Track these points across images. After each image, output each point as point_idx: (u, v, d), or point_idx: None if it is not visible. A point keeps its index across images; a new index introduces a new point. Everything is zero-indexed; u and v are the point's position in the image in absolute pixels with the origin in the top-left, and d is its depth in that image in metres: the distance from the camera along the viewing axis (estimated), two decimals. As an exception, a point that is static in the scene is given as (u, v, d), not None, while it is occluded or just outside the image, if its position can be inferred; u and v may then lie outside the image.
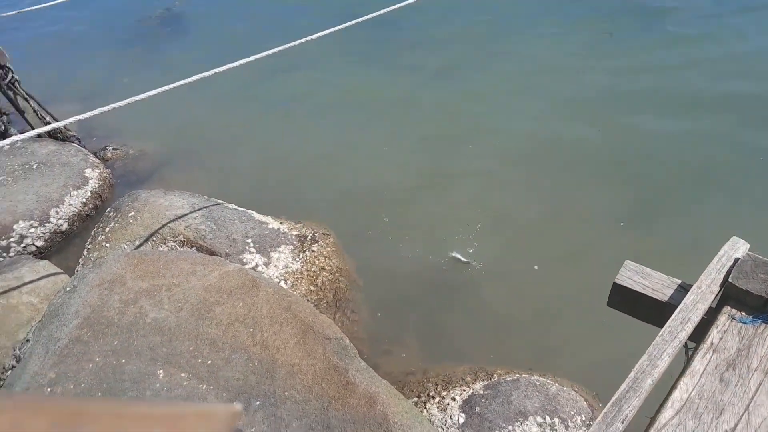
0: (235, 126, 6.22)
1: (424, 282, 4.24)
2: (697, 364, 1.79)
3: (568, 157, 5.25)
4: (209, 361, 2.79)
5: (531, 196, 4.89)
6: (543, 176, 5.05)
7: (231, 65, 3.60)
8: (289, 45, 3.79)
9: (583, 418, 3.18)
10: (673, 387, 1.75)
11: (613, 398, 1.66)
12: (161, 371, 2.76)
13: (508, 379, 3.42)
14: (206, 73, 3.54)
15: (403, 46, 7.30)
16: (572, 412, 3.19)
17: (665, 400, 1.73)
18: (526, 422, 3.12)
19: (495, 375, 3.48)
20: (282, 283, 4.10)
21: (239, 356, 2.81)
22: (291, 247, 4.46)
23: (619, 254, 3.75)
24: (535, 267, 4.23)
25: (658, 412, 1.72)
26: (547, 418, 3.14)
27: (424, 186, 5.08)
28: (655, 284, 2.11)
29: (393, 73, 6.79)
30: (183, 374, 2.75)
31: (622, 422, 1.61)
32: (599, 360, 3.59)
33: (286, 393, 2.66)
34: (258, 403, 2.64)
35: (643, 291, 2.10)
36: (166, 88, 3.39)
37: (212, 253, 4.18)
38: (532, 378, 3.43)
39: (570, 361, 3.60)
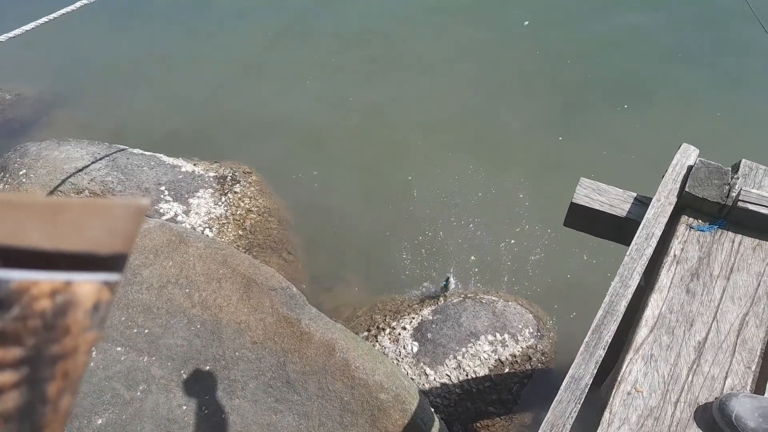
0: (126, 59, 5.56)
1: (357, 213, 4.10)
2: (664, 278, 1.80)
3: (495, 64, 5.14)
4: (146, 330, 2.56)
5: (466, 113, 4.77)
6: (476, 90, 4.93)
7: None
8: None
9: (531, 330, 3.27)
10: (644, 305, 1.75)
11: (593, 326, 1.63)
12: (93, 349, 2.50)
13: (455, 301, 3.42)
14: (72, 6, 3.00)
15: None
16: (520, 326, 3.26)
17: (639, 318, 1.72)
18: (478, 342, 3.16)
19: (441, 298, 3.47)
20: (207, 231, 3.83)
21: (179, 321, 2.59)
22: (210, 190, 4.14)
23: (551, 164, 3.76)
24: (472, 190, 4.18)
25: (633, 331, 1.72)
26: (497, 335, 3.20)
27: (341, 110, 4.82)
28: (612, 200, 2.08)
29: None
30: (119, 348, 2.51)
31: (603, 348, 1.59)
32: (536, 271, 3.67)
33: (237, 353, 2.50)
34: (208, 368, 2.47)
35: (600, 208, 2.07)
36: (44, 19, 2.86)
37: (124, 207, 3.79)
38: (478, 297, 3.45)
39: (510, 276, 3.65)
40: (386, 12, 5.83)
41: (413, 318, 3.35)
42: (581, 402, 1.51)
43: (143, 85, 5.26)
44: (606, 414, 1.53)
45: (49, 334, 0.32)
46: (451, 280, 3.50)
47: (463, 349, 3.13)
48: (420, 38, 5.50)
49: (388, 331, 3.31)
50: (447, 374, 3.05)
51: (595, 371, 1.55)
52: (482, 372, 3.06)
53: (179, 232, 2.97)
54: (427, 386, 2.99)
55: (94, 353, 2.48)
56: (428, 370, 3.05)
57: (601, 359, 1.57)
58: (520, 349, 3.16)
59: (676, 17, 5.59)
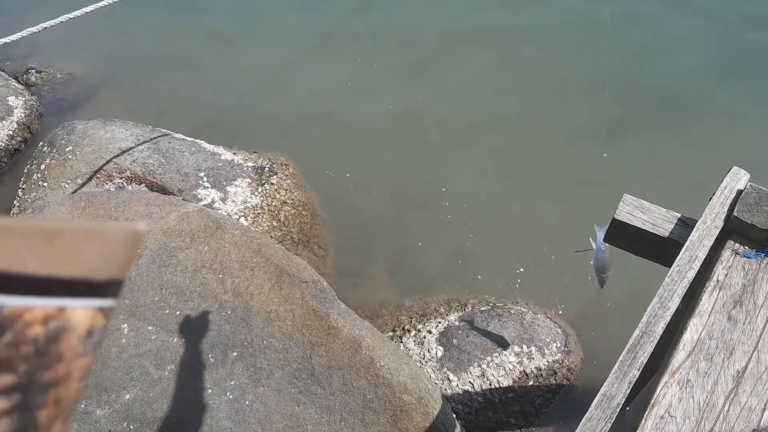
0: (173, 45, 5.67)
1: (389, 214, 4.10)
2: (705, 302, 1.75)
3: (540, 80, 5.09)
4: (177, 312, 2.61)
5: (503, 122, 4.73)
6: (516, 101, 4.90)
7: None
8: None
9: (558, 345, 3.22)
10: (684, 328, 1.71)
11: (628, 345, 1.60)
12: (125, 325, 2.56)
13: (483, 309, 3.40)
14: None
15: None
16: (548, 340, 3.23)
17: (677, 342, 1.69)
18: (505, 352, 3.13)
19: (469, 305, 3.46)
20: (242, 220, 3.88)
21: (210, 305, 2.63)
22: (248, 180, 4.19)
23: (591, 180, 3.71)
24: (505, 195, 4.15)
25: (669, 354, 1.68)
26: (524, 347, 3.17)
27: (379, 112, 4.83)
28: (655, 219, 2.04)
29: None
30: (150, 327, 2.56)
31: (638, 369, 1.56)
32: (568, 285, 3.63)
33: (264, 342, 2.53)
34: (235, 354, 2.50)
35: (643, 226, 2.03)
36: (99, 5, 2.94)
37: (163, 189, 3.87)
38: (506, 307, 3.42)
39: (542, 288, 3.61)
40: (428, 18, 5.82)
41: (440, 322, 3.34)
42: (612, 421, 1.48)
43: (189, 73, 5.35)
44: (637, 436, 1.50)
45: (41, 361, 0.32)
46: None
47: (488, 358, 3.10)
48: (462, 46, 5.47)
49: (413, 332, 3.30)
50: (470, 381, 3.03)
51: (628, 391, 1.53)
52: (506, 383, 3.04)
53: (217, 218, 3.01)
54: (449, 392, 2.97)
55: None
56: (452, 376, 3.03)
57: (635, 379, 1.55)
58: (546, 363, 3.13)
59: (729, 26, 5.45)
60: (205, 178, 4.08)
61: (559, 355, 3.17)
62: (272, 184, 4.16)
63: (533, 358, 3.13)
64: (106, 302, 0.34)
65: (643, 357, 1.58)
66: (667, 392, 1.57)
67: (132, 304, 2.64)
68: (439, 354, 3.13)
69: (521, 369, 3.08)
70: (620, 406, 1.50)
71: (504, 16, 5.73)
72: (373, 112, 4.82)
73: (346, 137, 4.63)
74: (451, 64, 5.25)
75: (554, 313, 3.43)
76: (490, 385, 3.01)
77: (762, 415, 1.53)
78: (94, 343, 0.34)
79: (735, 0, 5.76)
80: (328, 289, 2.78)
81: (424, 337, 3.25)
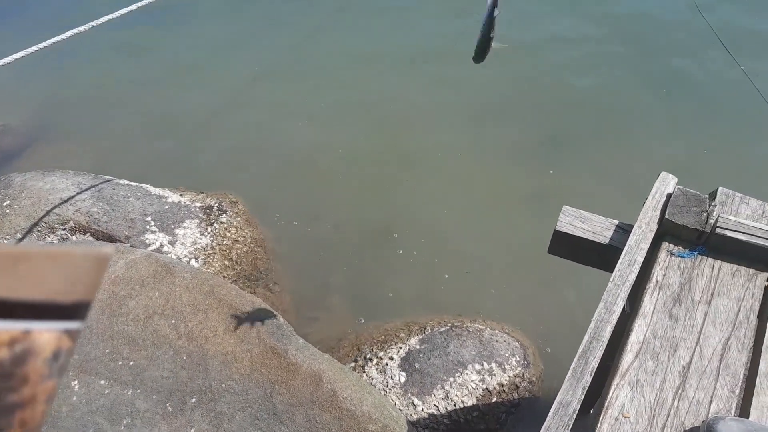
0: (110, 89, 5.58)
1: (343, 244, 4.11)
2: (647, 303, 1.83)
3: (481, 102, 5.23)
4: (131, 362, 2.53)
5: (451, 142, 4.83)
6: (461, 126, 5.01)
7: (110, 16, 3.10)
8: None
9: (518, 359, 3.27)
10: (629, 330, 1.78)
11: (579, 352, 1.65)
12: (75, 382, 2.46)
13: (442, 329, 3.42)
14: (81, 28, 3.01)
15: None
16: (507, 354, 3.27)
17: (624, 344, 1.75)
18: (466, 371, 3.15)
19: (428, 327, 3.48)
20: (193, 262, 3.81)
21: (164, 352, 2.57)
22: (197, 220, 4.13)
23: (541, 195, 3.82)
24: (457, 218, 4.23)
25: (618, 357, 1.74)
26: (485, 364, 3.20)
27: (327, 142, 4.87)
28: (595, 227, 2.12)
29: (276, 20, 6.36)
30: (102, 381, 2.47)
31: (590, 374, 1.61)
32: (522, 298, 3.70)
33: (223, 385, 2.47)
34: (194, 400, 2.43)
35: (583, 235, 2.11)
36: (33, 48, 2.88)
37: (110, 237, 3.77)
38: (465, 325, 3.46)
39: (496, 304, 3.67)
40: (369, 52, 5.93)
41: (400, 348, 3.34)
42: (569, 428, 1.52)
43: (130, 116, 5.27)
44: (594, 440, 1.54)
45: (6, 383, 0.32)
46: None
47: (451, 379, 3.12)
48: (404, 74, 5.59)
49: (375, 361, 3.29)
50: (435, 404, 3.03)
51: (583, 396, 1.57)
52: (470, 402, 3.05)
53: (165, 262, 2.95)
54: (415, 417, 2.96)
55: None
56: (416, 401, 3.03)
57: (588, 384, 1.59)
58: (508, 378, 3.16)
59: (650, 47, 5.77)
60: (153, 223, 4.00)
61: (519, 368, 3.21)
62: (222, 222, 4.11)
63: (494, 375, 3.16)
64: (72, 324, 0.34)
65: (594, 362, 1.63)
66: (619, 394, 1.62)
67: (82, 359, 2.54)
68: (402, 380, 3.12)
69: (484, 386, 3.11)
70: (576, 411, 1.54)
71: (440, 41, 5.89)
72: (320, 143, 4.85)
73: (295, 171, 4.63)
74: (394, 94, 5.34)
75: (511, 328, 3.48)
76: (455, 406, 3.02)
77: (709, 407, 1.60)
78: (60, 365, 0.34)
79: (660, 27, 6.10)
80: (284, 325, 2.75)
81: (387, 364, 3.24)
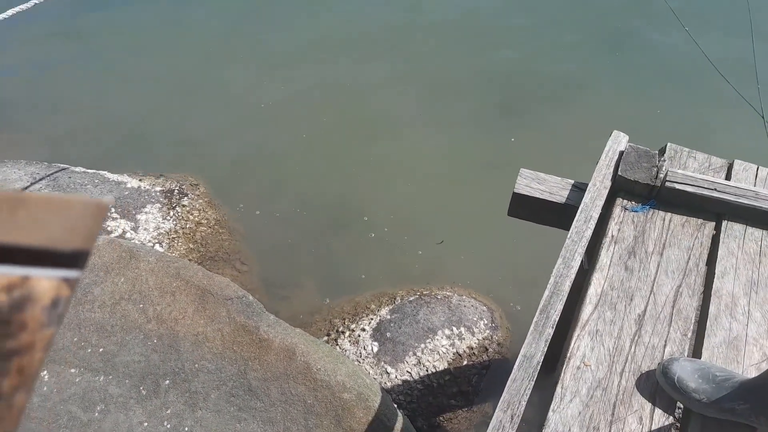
0: (59, 71, 5.39)
1: (308, 217, 4.11)
2: (604, 257, 1.90)
3: (436, 75, 5.25)
4: (101, 349, 2.51)
5: (413, 117, 4.84)
6: (418, 97, 5.02)
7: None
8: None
9: (486, 322, 3.36)
10: (588, 284, 1.85)
11: (540, 306, 1.71)
12: (45, 372, 2.44)
13: (411, 299, 3.48)
14: (22, 6, 2.90)
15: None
16: (475, 318, 3.35)
17: (584, 297, 1.82)
18: (436, 337, 3.23)
19: (398, 298, 3.53)
20: (157, 247, 3.77)
21: (134, 336, 2.55)
22: (158, 205, 4.08)
23: (503, 163, 3.88)
24: (422, 191, 4.26)
25: (578, 309, 1.81)
26: (454, 329, 3.27)
27: (285, 120, 4.83)
28: (552, 188, 2.18)
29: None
30: (73, 370, 2.45)
31: (552, 327, 1.67)
32: (488, 262, 3.78)
33: (196, 365, 2.48)
34: (168, 382, 2.44)
35: (541, 196, 2.17)
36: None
37: (69, 227, 3.69)
38: (433, 293, 3.53)
39: (465, 270, 3.75)
40: (323, 33, 5.87)
41: (372, 319, 3.39)
42: (534, 379, 1.58)
43: (82, 100, 5.11)
44: (558, 389, 1.61)
45: (4, 329, 0.31)
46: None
47: (422, 345, 3.19)
48: (364, 52, 5.56)
49: (347, 333, 3.34)
50: (408, 371, 3.10)
51: (546, 348, 1.63)
52: (442, 366, 3.13)
53: (129, 247, 2.92)
54: (389, 385, 3.03)
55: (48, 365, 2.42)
56: (389, 369, 3.09)
57: (550, 337, 1.66)
58: (477, 341, 3.25)
59: (600, 9, 5.86)
60: (113, 210, 3.93)
61: (487, 331, 3.30)
62: (184, 206, 4.07)
63: (464, 339, 3.24)
64: (71, 273, 0.34)
65: (555, 315, 1.70)
66: (580, 344, 1.70)
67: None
68: (375, 349, 3.18)
69: (454, 351, 3.19)
70: (540, 363, 1.61)
71: (396, 17, 5.86)
72: (280, 128, 4.79)
73: (256, 154, 4.58)
74: (351, 74, 5.31)
75: (478, 293, 3.57)
76: (427, 371, 3.09)
77: (664, 351, 1.69)
78: (59, 314, 0.34)
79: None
80: (254, 302, 2.76)
81: (359, 336, 3.29)
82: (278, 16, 5.94)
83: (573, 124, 4.60)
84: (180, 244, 3.86)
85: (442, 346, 3.20)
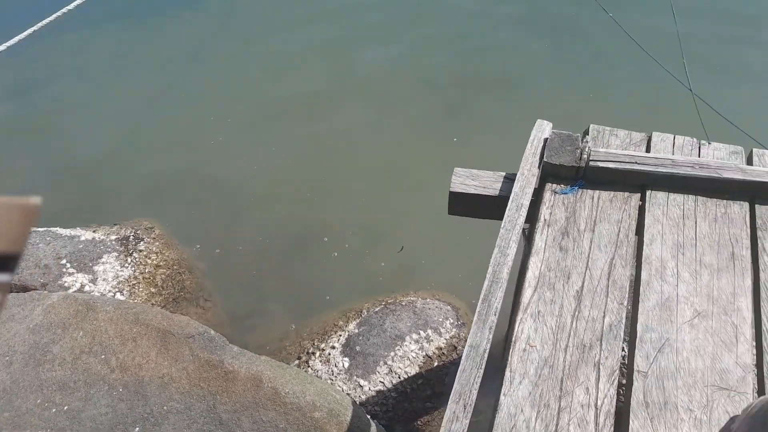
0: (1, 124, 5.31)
1: (269, 245, 4.13)
2: (539, 241, 1.98)
3: (378, 83, 5.33)
4: (65, 407, 2.48)
5: (360, 128, 4.90)
6: (362, 107, 5.09)
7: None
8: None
9: (451, 321, 3.41)
10: (525, 268, 1.92)
11: (482, 296, 1.77)
12: None
13: (377, 309, 3.52)
14: None
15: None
16: (441, 319, 3.40)
17: (522, 281, 1.89)
18: (405, 343, 3.26)
19: (364, 310, 3.56)
20: (118, 295, 3.73)
21: (99, 389, 2.53)
22: (115, 254, 4.04)
23: (449, 165, 3.96)
24: (376, 202, 4.32)
25: (518, 293, 1.88)
26: (421, 332, 3.32)
27: (236, 150, 4.84)
28: (485, 182, 2.25)
29: (159, 39, 6.22)
30: (38, 432, 2.41)
31: (495, 314, 1.73)
32: (447, 262, 3.85)
33: (165, 407, 2.47)
34: (138, 429, 2.42)
35: (476, 191, 2.24)
36: None
37: (24, 288, 3.64)
38: (398, 301, 3.57)
39: (426, 274, 3.80)
40: (263, 53, 5.91)
41: (340, 335, 3.41)
42: (482, 367, 1.63)
43: (22, 155, 5.03)
44: (507, 372, 1.67)
45: None
46: None
47: (392, 353, 3.22)
48: (301, 72, 5.62)
49: (318, 354, 3.35)
50: (381, 381, 3.13)
51: (491, 336, 1.69)
52: (413, 371, 3.16)
53: (86, 300, 2.90)
54: (363, 397, 3.05)
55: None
56: (362, 382, 3.12)
57: (494, 324, 1.71)
58: (445, 341, 3.30)
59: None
60: (69, 265, 3.89)
61: (454, 330, 3.36)
62: (140, 251, 4.04)
63: (432, 341, 3.29)
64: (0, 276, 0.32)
65: (496, 303, 1.75)
66: (524, 327, 1.76)
67: (13, 415, 2.47)
68: (346, 365, 3.20)
69: (423, 354, 3.23)
70: (486, 351, 1.66)
71: (326, 30, 5.94)
72: (230, 158, 4.80)
73: (209, 187, 4.58)
74: (296, 93, 5.35)
75: (441, 293, 3.62)
76: (399, 378, 3.12)
77: (603, 321, 1.76)
78: None
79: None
80: (216, 337, 2.76)
81: (329, 354, 3.30)
82: (216, 47, 5.97)
83: (512, 117, 4.71)
84: (141, 289, 3.83)
85: (412, 351, 3.24)
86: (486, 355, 1.65)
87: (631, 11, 5.60)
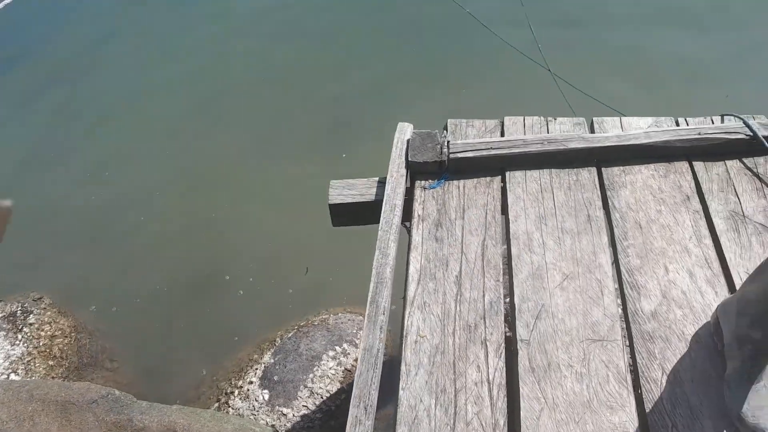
0: None
1: (164, 293, 3.99)
2: (416, 236, 2.06)
3: (258, 106, 5.31)
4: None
5: (247, 156, 4.85)
6: (246, 132, 5.04)
7: None
8: None
9: (365, 330, 3.45)
10: (408, 264, 2.00)
11: (369, 298, 1.83)
12: None
13: (290, 335, 3.50)
14: None
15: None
16: (354, 330, 3.44)
17: (407, 277, 1.96)
18: (322, 362, 3.27)
19: (277, 339, 3.53)
20: (12, 376, 3.48)
21: (-3, 479, 2.35)
22: (2, 333, 3.77)
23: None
24: (274, 230, 4.29)
25: (405, 289, 1.95)
26: (337, 348, 3.34)
27: (118, 196, 4.64)
28: (361, 190, 2.32)
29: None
30: None
31: (384, 314, 1.79)
32: (351, 274, 3.88)
33: (74, 481, 2.34)
34: None
35: (354, 200, 2.30)
36: None
37: None
38: (310, 322, 3.57)
39: (335, 290, 3.82)
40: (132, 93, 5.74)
41: (257, 369, 3.36)
42: (379, 368, 1.68)
43: None
44: (402, 367, 1.73)
45: None
46: None
47: (311, 375, 3.22)
48: (177, 104, 5.50)
49: (236, 392, 3.28)
50: (304, 405, 3.11)
51: (383, 336, 1.74)
52: (335, 388, 3.18)
53: (-31, 389, 2.68)
54: (288, 425, 3.02)
55: None
56: (285, 410, 3.09)
57: (384, 324, 1.77)
58: (361, 352, 3.33)
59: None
60: (-50, 356, 3.58)
61: (368, 339, 3.40)
62: (31, 324, 3.79)
63: (349, 354, 3.31)
64: None
65: (384, 302, 1.82)
66: (413, 320, 1.83)
67: None
68: (266, 397, 3.16)
69: (342, 368, 3.25)
70: (381, 351, 1.71)
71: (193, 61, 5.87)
72: (114, 206, 4.61)
73: (95, 245, 4.38)
74: (173, 128, 5.23)
75: (351, 305, 3.66)
76: (322, 398, 3.12)
77: (484, 300, 1.86)
78: None
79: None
80: (122, 396, 2.65)
81: (248, 390, 3.25)
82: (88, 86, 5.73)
83: (392, 122, 4.86)
84: (38, 364, 3.60)
85: (330, 368, 3.25)
86: (381, 355, 1.70)
87: (486, 3, 5.93)
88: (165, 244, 4.32)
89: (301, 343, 3.38)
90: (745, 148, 2.25)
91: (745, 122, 2.27)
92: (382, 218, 2.05)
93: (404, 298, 1.98)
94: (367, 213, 2.34)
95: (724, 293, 1.82)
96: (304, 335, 3.44)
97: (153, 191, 4.70)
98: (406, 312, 1.85)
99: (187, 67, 5.84)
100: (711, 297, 1.82)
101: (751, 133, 2.22)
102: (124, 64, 6.01)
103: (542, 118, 2.46)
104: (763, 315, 1.46)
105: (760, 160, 2.25)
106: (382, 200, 2.24)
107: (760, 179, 2.17)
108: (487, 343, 1.75)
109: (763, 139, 2.19)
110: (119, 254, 4.27)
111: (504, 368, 1.70)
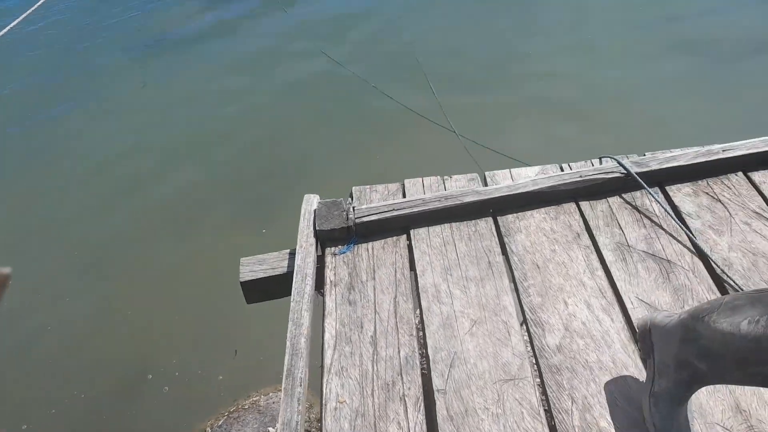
0: None
1: (82, 400, 3.75)
2: (329, 302, 2.10)
3: (183, 184, 5.26)
4: None
5: (156, 238, 4.75)
6: (166, 213, 4.96)
7: None
8: None
9: (299, 406, 3.38)
10: (323, 331, 2.02)
11: (284, 371, 1.83)
12: None
13: (220, 423, 3.37)
14: None
15: None
16: (288, 409, 3.35)
17: (322, 344, 1.98)
18: (256, 447, 3.16)
19: (207, 428, 3.39)
20: None
21: None
22: None
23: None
24: (196, 319, 4.18)
25: (322, 357, 1.96)
26: (270, 429, 3.24)
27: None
28: (272, 264, 2.35)
29: None
30: None
31: (300, 385, 1.79)
32: (279, 349, 3.82)
33: None
34: None
35: (266, 275, 2.32)
36: None
37: None
38: (240, 406, 3.46)
39: (262, 369, 3.74)
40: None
41: (188, 464, 3.20)
42: (300, 439, 1.67)
43: None
44: (324, 436, 1.72)
45: None
46: None
47: (246, 462, 3.09)
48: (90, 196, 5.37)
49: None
50: (240, 495, 2.97)
51: (301, 407, 1.74)
52: (272, 471, 3.06)
53: None
54: None
55: None
56: (221, 503, 2.93)
57: (302, 395, 1.77)
58: (295, 429, 3.25)
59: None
60: None
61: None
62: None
63: None
64: None
65: (301, 374, 1.82)
66: (331, 386, 1.84)
67: None
68: (200, 492, 2.99)
69: (278, 450, 3.14)
70: (300, 423, 1.70)
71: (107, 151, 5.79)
72: (16, 319, 4.37)
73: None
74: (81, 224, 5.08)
75: (278, 382, 3.58)
76: (259, 483, 3.00)
77: (399, 356, 1.90)
78: None
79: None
80: None
81: (180, 488, 3.07)
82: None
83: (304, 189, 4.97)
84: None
85: (265, 452, 3.14)
86: (300, 428, 1.69)
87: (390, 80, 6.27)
88: (76, 348, 4.09)
89: (232, 430, 3.26)
90: (622, 184, 2.47)
91: (618, 162, 2.50)
92: (293, 289, 2.08)
93: (321, 365, 1.99)
94: (280, 286, 2.35)
95: (619, 318, 1.95)
96: (234, 421, 3.32)
97: (61, 288, 4.50)
98: (324, 379, 1.86)
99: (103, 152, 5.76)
100: (608, 324, 1.94)
101: (625, 171, 2.45)
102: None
103: (439, 177, 2.60)
104: (718, 357, 1.37)
105: (637, 193, 2.46)
106: (293, 271, 2.28)
107: (638, 210, 2.38)
108: (406, 399, 1.78)
109: (636, 176, 2.42)
110: (25, 364, 4.01)
111: (424, 420, 1.72)
